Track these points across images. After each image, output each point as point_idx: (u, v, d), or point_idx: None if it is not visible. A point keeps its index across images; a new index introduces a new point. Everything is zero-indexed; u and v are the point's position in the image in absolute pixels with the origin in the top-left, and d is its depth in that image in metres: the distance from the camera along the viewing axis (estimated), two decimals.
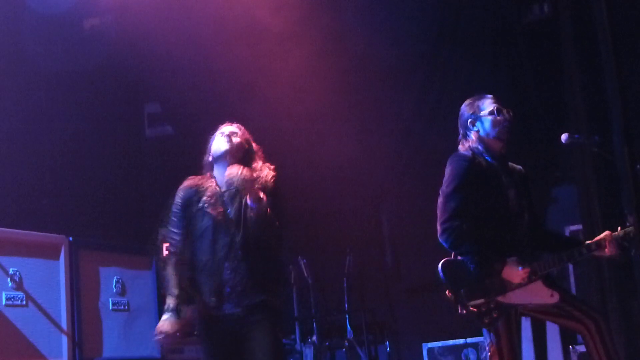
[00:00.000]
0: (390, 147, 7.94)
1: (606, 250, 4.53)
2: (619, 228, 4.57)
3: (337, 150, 7.48)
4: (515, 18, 7.49)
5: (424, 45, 7.71)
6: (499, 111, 4.58)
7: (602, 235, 4.57)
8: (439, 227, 4.45)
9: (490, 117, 4.57)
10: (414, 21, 7.50)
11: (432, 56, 7.74)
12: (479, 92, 4.75)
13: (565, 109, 7.12)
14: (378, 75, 7.69)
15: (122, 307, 6.31)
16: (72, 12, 7.27)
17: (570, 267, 7.16)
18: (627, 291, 6.62)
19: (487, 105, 4.62)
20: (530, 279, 4.39)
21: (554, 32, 7.19)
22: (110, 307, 6.22)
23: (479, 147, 4.57)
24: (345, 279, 7.70)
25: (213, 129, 4.66)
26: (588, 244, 4.58)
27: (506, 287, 4.37)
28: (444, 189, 4.49)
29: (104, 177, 7.90)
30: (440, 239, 4.45)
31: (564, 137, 4.69)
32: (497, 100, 4.65)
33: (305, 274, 7.71)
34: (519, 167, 4.77)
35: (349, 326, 7.67)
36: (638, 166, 5.66)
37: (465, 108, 4.67)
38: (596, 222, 6.61)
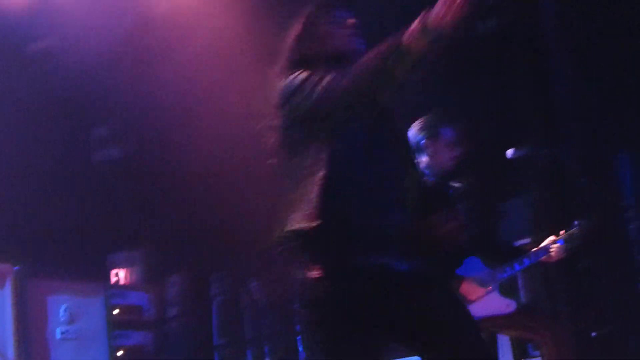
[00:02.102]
0: None
1: (552, 254, 4.59)
2: (563, 232, 4.63)
3: None
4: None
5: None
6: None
7: (546, 240, 4.63)
8: None
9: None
10: None
11: None
12: (427, 108, 4.76)
13: (514, 123, 7.18)
14: None
15: (71, 335, 6.20)
16: (14, 35, 7.16)
17: (519, 276, 7.20)
18: (576, 297, 6.68)
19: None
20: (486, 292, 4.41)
21: (502, 47, 7.25)
22: (59, 336, 6.11)
23: (426, 171, 4.57)
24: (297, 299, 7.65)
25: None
26: (535, 250, 4.63)
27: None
28: None
29: (51, 203, 7.77)
30: None
31: (510, 152, 4.73)
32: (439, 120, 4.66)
33: (257, 297, 7.66)
34: (465, 182, 4.80)
35: (300, 348, 7.62)
36: (583, 179, 5.77)
37: (412, 132, 4.66)
38: (546, 236, 6.65)
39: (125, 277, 8.19)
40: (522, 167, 7.00)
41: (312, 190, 2.83)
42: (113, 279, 8.09)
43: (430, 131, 4.59)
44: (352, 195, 2.84)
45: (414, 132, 4.64)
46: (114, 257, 8.21)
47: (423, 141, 4.58)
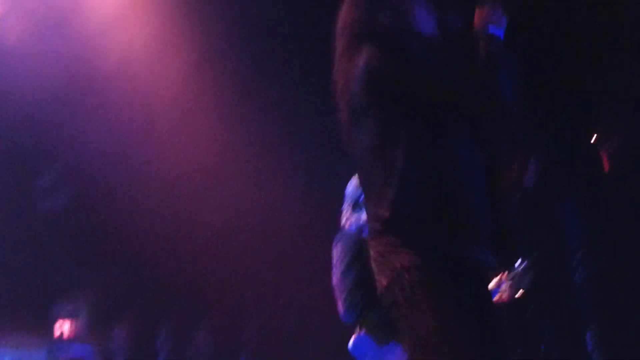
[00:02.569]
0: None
1: (503, 295, 4.62)
2: (506, 273, 4.67)
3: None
4: None
5: None
6: None
7: (493, 281, 4.66)
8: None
9: None
10: None
11: None
12: None
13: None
14: None
15: None
16: None
17: None
18: (527, 339, 6.73)
19: None
20: None
21: None
22: None
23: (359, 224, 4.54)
24: (243, 347, 7.61)
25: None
26: None
27: None
28: (335, 271, 4.41)
29: None
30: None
31: None
32: None
33: (204, 347, 7.58)
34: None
35: None
36: (529, 222, 5.84)
37: (351, 187, 4.61)
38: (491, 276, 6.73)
39: (69, 329, 8.04)
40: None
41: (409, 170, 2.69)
42: (57, 331, 7.93)
43: None
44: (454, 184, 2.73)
45: (353, 186, 4.58)
46: (58, 309, 8.06)
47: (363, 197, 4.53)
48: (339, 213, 4.48)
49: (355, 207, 4.46)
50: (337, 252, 4.35)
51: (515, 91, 2.80)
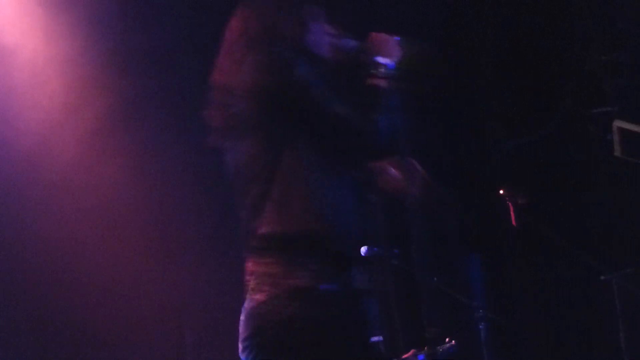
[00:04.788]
0: None
1: None
2: (426, 347, 4.61)
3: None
4: None
5: None
6: None
7: (409, 354, 4.59)
8: None
9: None
10: None
11: None
12: None
13: (365, 222, 7.22)
14: None
15: None
16: None
17: None
18: None
19: None
20: None
21: None
22: None
23: None
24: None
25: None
26: None
27: None
28: None
29: None
30: None
31: (363, 249, 4.72)
32: None
33: None
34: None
35: None
36: (435, 279, 5.81)
37: None
38: (396, 334, 6.67)
39: None
40: (375, 265, 7.03)
41: (305, 189, 2.66)
42: None
43: None
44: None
45: None
46: None
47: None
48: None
49: None
50: None
51: (397, 129, 2.71)
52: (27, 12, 6.30)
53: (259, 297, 2.68)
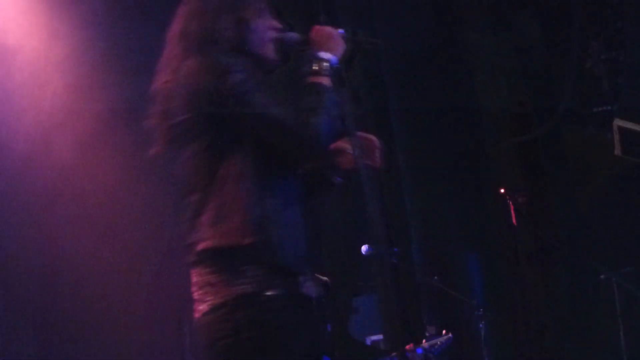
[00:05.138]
0: None
1: None
2: (424, 341, 4.61)
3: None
4: None
5: None
6: None
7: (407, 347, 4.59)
8: None
9: None
10: None
11: None
12: None
13: (365, 221, 7.22)
14: None
15: None
16: None
17: None
18: None
19: None
20: None
21: None
22: None
23: None
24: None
25: None
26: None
27: None
28: None
29: None
30: None
31: (364, 248, 4.73)
32: None
33: None
34: (324, 278, 4.72)
35: None
36: (435, 278, 5.82)
37: None
38: (396, 332, 6.67)
39: None
40: (374, 264, 7.04)
41: (244, 200, 2.57)
42: None
43: None
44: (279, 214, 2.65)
45: None
46: None
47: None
48: None
49: None
50: None
51: (340, 126, 2.67)
52: (28, 13, 6.30)
53: (202, 307, 2.63)
